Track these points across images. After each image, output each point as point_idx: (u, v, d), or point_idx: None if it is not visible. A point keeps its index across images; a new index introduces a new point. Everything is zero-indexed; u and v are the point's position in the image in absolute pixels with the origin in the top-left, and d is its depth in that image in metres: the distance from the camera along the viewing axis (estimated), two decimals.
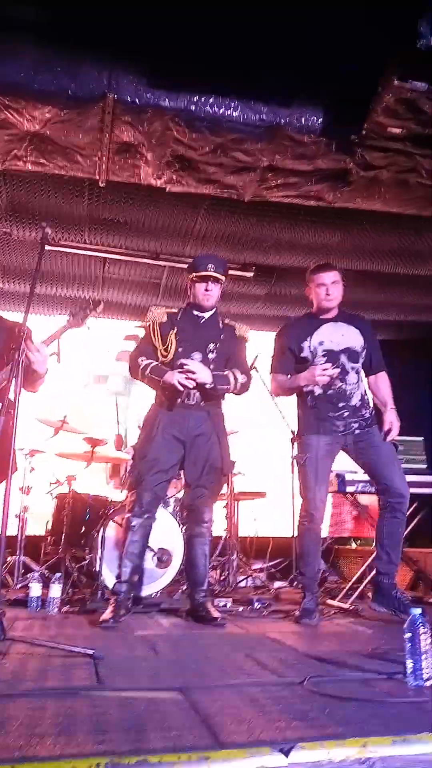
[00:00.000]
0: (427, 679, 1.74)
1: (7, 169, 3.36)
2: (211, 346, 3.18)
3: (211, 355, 3.17)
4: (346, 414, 3.21)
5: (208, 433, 3.14)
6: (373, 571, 3.34)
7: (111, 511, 3.88)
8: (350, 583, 3.91)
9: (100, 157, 3.13)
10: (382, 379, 3.37)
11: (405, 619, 2.60)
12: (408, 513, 4.15)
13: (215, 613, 3.04)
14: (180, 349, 3.13)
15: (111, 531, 3.77)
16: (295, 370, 3.28)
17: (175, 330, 3.17)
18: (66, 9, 2.69)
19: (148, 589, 3.66)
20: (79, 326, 2.90)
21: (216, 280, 3.18)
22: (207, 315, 3.27)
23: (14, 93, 2.81)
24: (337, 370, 3.14)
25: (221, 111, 2.84)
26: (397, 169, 3.24)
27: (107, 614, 2.88)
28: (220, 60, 2.81)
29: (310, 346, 3.25)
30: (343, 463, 3.53)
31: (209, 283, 3.17)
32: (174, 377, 3.01)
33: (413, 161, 3.17)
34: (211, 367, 3.12)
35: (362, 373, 3.31)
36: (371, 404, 3.33)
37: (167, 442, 3.09)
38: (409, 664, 1.76)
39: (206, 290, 3.17)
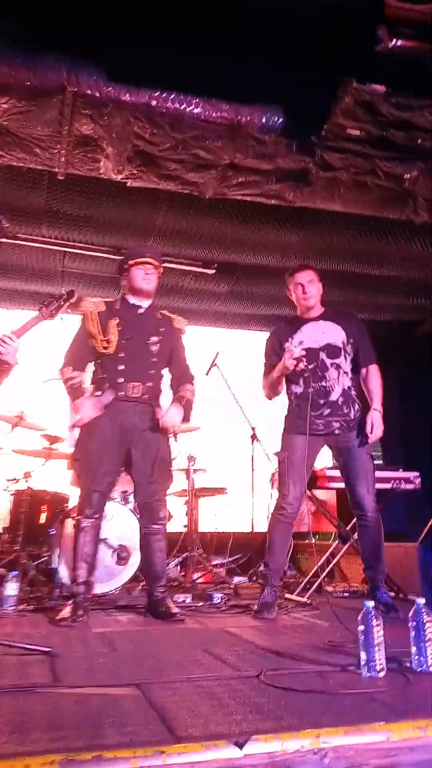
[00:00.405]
0: (380, 671, 1.78)
1: None
2: (154, 338, 3.17)
3: (153, 348, 3.16)
4: (326, 412, 3.22)
5: (154, 426, 3.10)
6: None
7: (69, 508, 3.84)
8: (308, 578, 3.96)
9: (60, 149, 3.10)
10: (372, 373, 3.35)
11: (386, 616, 2.68)
12: None
13: (174, 609, 3.04)
14: (123, 341, 3.10)
15: (69, 528, 3.73)
16: None
17: (117, 320, 3.13)
18: (26, 1, 2.65)
19: (107, 586, 3.63)
20: (52, 318, 2.82)
21: (154, 267, 3.19)
22: (145, 305, 3.25)
23: None
24: (303, 352, 3.16)
25: (182, 107, 2.85)
26: (355, 170, 3.30)
27: (65, 613, 2.85)
28: (181, 56, 2.82)
29: (290, 347, 3.27)
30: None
31: (147, 267, 3.17)
32: (84, 411, 2.99)
33: (371, 163, 3.23)
34: (154, 360, 3.14)
35: (347, 369, 3.29)
36: (357, 404, 3.32)
37: (112, 438, 3.03)
38: (363, 656, 1.80)
39: (146, 274, 3.16)
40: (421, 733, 1.32)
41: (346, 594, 4.07)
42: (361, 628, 1.81)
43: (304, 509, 5.73)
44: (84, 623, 2.81)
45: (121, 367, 3.08)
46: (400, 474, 4.12)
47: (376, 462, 4.28)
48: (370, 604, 1.84)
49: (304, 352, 3.18)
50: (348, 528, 4.11)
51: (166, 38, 2.74)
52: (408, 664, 1.87)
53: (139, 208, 4.06)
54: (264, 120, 2.92)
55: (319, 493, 4.24)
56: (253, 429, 4.61)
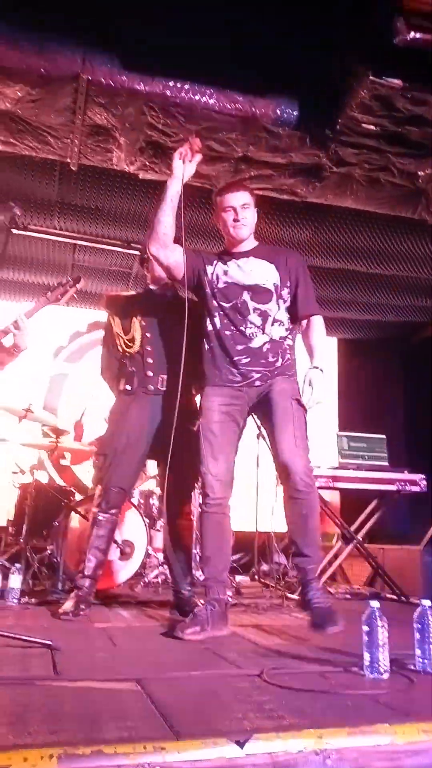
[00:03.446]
0: (384, 672, 1.76)
1: None
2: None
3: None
4: (245, 360, 2.58)
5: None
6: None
7: (74, 503, 3.83)
8: None
9: (72, 139, 3.07)
10: (313, 326, 2.70)
11: (318, 626, 2.36)
12: (369, 510, 4.20)
13: None
14: (147, 334, 3.01)
15: (74, 522, 3.72)
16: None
17: (139, 315, 3.03)
18: None
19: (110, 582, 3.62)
20: (57, 302, 2.78)
21: None
22: (169, 294, 3.09)
23: None
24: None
25: (196, 98, 2.81)
26: (369, 166, 3.26)
27: (68, 606, 2.82)
28: (196, 46, 2.78)
29: (214, 273, 2.70)
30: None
31: None
32: None
33: (385, 159, 3.19)
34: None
35: (280, 318, 2.66)
36: (289, 355, 2.68)
37: (140, 434, 2.96)
38: (367, 656, 1.77)
39: None
40: (425, 736, 1.29)
41: (348, 596, 4.04)
42: (366, 628, 1.78)
43: None
44: (86, 617, 2.79)
45: (149, 360, 2.99)
46: (406, 476, 4.09)
47: (381, 463, 4.22)
48: (375, 604, 1.81)
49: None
50: (353, 529, 4.09)
51: (179, 24, 2.70)
52: (411, 667, 1.84)
53: (151, 200, 4.03)
54: (278, 112, 2.88)
55: (324, 493, 4.22)
56: (258, 427, 4.56)
